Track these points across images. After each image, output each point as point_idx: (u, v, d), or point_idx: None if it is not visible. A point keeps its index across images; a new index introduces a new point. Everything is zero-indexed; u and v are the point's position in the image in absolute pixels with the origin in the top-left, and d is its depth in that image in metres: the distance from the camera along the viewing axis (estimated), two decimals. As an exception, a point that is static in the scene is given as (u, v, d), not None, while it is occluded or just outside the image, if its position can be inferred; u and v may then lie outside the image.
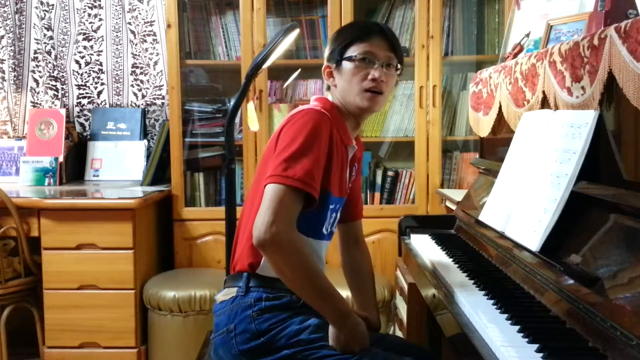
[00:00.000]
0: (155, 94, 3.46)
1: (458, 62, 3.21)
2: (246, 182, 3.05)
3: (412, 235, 2.16)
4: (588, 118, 1.40)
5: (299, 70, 3.17)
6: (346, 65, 1.59)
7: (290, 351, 1.46)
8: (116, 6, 3.43)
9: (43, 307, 2.78)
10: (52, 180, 3.18)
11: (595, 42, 1.35)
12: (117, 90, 3.48)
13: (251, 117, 2.57)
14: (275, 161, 1.46)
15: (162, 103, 3.45)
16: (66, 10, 3.45)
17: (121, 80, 3.47)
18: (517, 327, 1.19)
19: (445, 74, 3.11)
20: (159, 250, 3.11)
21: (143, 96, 3.47)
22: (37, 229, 2.76)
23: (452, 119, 3.15)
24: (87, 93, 3.48)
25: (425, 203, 3.05)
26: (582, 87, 1.43)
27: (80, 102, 3.49)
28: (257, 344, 1.48)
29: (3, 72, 3.45)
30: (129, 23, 3.43)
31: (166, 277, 2.92)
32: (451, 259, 1.78)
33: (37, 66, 3.47)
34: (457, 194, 2.56)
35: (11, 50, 3.43)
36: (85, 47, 3.46)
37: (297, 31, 2.28)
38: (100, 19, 3.45)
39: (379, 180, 3.15)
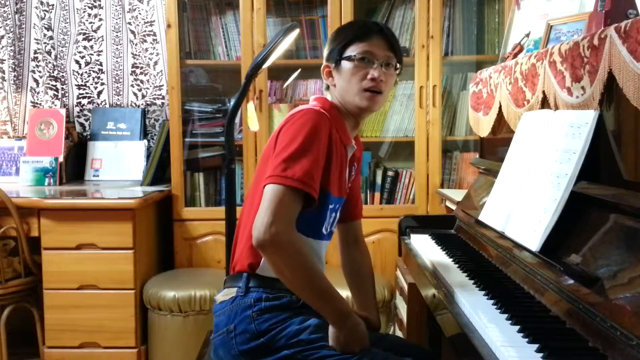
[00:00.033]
0: (155, 94, 3.46)
1: (458, 62, 3.21)
2: (246, 182, 3.04)
3: (412, 235, 2.16)
4: (588, 118, 1.40)
5: (299, 70, 3.17)
6: (345, 64, 1.59)
7: (290, 351, 1.46)
8: (116, 6, 3.43)
9: (43, 307, 2.78)
10: (52, 180, 3.18)
11: (595, 42, 1.35)
12: (117, 90, 3.48)
13: (251, 117, 2.57)
14: (274, 161, 1.46)
15: (162, 103, 3.45)
16: (66, 10, 3.45)
17: (121, 80, 3.47)
18: (517, 327, 1.19)
19: (445, 74, 3.11)
20: (159, 250, 3.11)
21: (143, 96, 3.47)
22: (37, 229, 2.76)
23: (452, 119, 3.14)
24: (87, 93, 3.48)
25: (425, 203, 3.05)
26: (582, 87, 1.43)
27: (80, 102, 3.49)
28: (257, 344, 1.48)
29: (3, 72, 3.45)
30: (129, 23, 3.43)
31: (166, 277, 2.92)
32: (451, 259, 1.78)
33: (37, 66, 3.47)
34: (457, 194, 2.56)
35: (11, 50, 3.43)
36: (85, 47, 3.46)
37: (297, 31, 2.28)
38: (100, 19, 3.45)
39: (379, 180, 3.15)
